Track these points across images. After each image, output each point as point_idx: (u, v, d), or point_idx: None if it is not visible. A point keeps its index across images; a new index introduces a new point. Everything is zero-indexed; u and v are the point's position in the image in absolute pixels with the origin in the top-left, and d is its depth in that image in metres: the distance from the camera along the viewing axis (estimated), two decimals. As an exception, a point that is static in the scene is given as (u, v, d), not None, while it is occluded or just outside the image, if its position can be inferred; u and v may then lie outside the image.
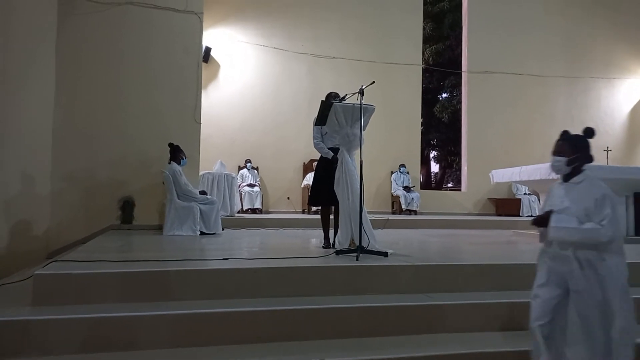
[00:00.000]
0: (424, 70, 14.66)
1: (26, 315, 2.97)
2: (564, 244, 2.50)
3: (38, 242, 6.42)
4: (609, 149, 10.58)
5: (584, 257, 2.44)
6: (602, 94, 12.82)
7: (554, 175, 6.09)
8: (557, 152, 2.59)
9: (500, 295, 3.64)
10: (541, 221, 2.55)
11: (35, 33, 6.31)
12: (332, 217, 5.02)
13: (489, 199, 11.88)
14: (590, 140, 2.58)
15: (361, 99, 4.45)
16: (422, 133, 14.14)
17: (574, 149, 2.57)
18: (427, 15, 15.99)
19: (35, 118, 6.38)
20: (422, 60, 13.09)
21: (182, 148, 6.76)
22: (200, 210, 6.50)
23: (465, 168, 12.31)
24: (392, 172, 11.33)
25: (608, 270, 2.39)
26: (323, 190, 4.83)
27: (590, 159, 2.59)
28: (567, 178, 2.59)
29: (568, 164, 2.57)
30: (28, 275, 3.65)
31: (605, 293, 2.37)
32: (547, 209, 2.58)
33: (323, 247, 4.91)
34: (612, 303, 2.36)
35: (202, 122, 7.77)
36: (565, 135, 2.61)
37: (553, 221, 2.49)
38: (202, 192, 6.96)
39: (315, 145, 4.97)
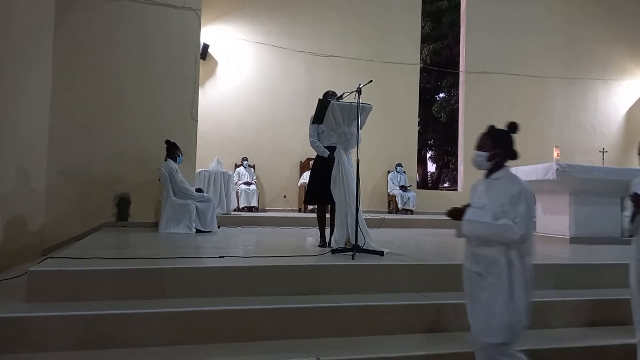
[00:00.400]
0: (422, 70, 14.68)
1: (21, 312, 2.96)
2: (479, 241, 2.41)
3: (33, 238, 6.39)
4: (605, 150, 10.62)
5: (497, 256, 2.33)
6: (599, 95, 12.86)
7: (550, 176, 6.13)
8: (479, 146, 2.49)
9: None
10: (455, 214, 2.44)
11: (32, 28, 6.27)
12: (328, 215, 5.02)
13: (485, 199, 11.90)
14: (514, 136, 2.47)
15: (358, 98, 4.45)
16: (419, 133, 14.16)
17: (495, 144, 2.46)
18: (425, 14, 16.00)
19: (31, 113, 6.35)
20: (420, 60, 13.09)
21: (178, 145, 6.74)
22: (196, 207, 6.48)
23: (462, 168, 12.33)
24: (388, 172, 11.34)
25: (516, 271, 2.31)
26: (319, 189, 4.83)
27: (512, 155, 2.48)
28: (489, 174, 2.49)
29: (489, 159, 2.46)
30: (23, 271, 3.63)
31: (512, 294, 2.30)
32: (471, 203, 2.49)
33: (319, 246, 4.91)
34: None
35: (199, 119, 7.75)
36: (488, 129, 2.51)
37: (467, 215, 2.40)
38: (199, 190, 6.95)
39: (312, 144, 4.97)
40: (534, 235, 2.40)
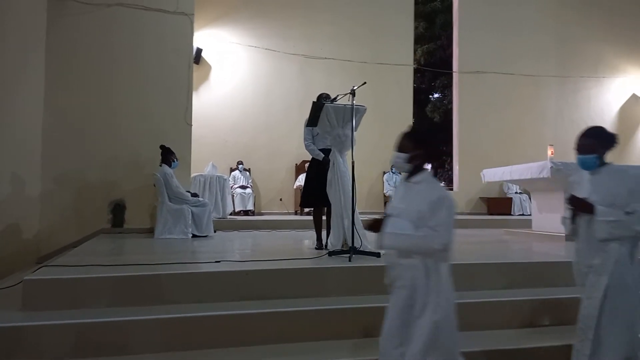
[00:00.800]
0: (416, 71, 14.71)
1: (16, 321, 2.93)
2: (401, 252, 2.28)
3: (28, 246, 6.36)
4: (598, 147, 10.66)
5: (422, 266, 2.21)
6: (592, 93, 12.92)
7: (544, 174, 6.15)
8: (399, 147, 2.36)
9: (493, 294, 3.66)
10: (375, 226, 2.27)
11: (25, 34, 6.25)
12: (324, 218, 5.02)
13: (480, 198, 11.94)
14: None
15: (352, 100, 4.45)
16: (414, 133, 14.15)
17: (416, 145, 2.32)
18: (418, 15, 16.05)
19: (25, 119, 6.32)
20: (414, 61, 13.12)
21: (173, 150, 6.73)
22: (192, 212, 6.47)
23: (457, 167, 12.36)
24: (384, 173, 11.35)
25: (433, 280, 2.19)
26: (315, 192, 4.83)
27: (434, 156, 2.37)
28: (409, 177, 2.35)
29: (408, 160, 2.32)
30: (18, 280, 3.61)
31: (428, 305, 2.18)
32: (389, 211, 2.34)
33: (315, 249, 4.90)
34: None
35: (193, 123, 7.74)
36: (409, 129, 2.40)
37: (388, 226, 2.22)
38: (194, 195, 6.93)
39: (307, 147, 4.97)
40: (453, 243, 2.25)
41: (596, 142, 2.68)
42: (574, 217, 2.71)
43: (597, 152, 2.66)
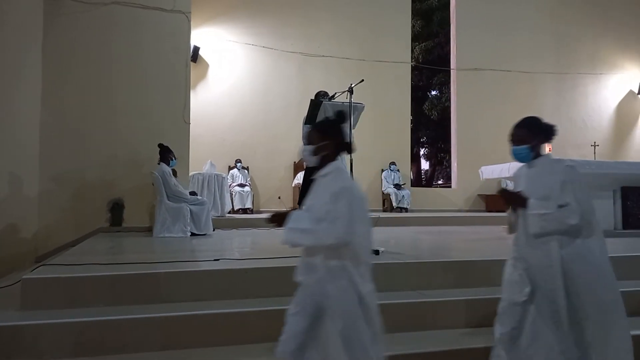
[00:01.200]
0: (413, 68, 14.71)
1: (15, 320, 2.94)
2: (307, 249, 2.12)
3: (27, 245, 6.34)
4: (596, 144, 10.70)
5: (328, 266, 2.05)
6: (589, 89, 12.94)
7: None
8: (308, 140, 2.25)
9: (492, 292, 3.66)
10: (275, 219, 2.11)
11: (22, 33, 6.23)
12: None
13: (478, 195, 11.95)
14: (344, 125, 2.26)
15: (350, 98, 4.46)
16: (412, 131, 14.19)
17: (322, 136, 2.21)
18: (416, 13, 16.05)
19: (22, 119, 6.31)
20: (412, 58, 13.12)
21: (171, 148, 6.71)
22: (190, 211, 6.46)
23: (455, 165, 12.37)
24: (382, 170, 11.35)
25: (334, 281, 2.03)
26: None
27: (343, 147, 2.23)
28: (319, 170, 2.21)
29: (314, 152, 2.20)
30: (17, 279, 3.61)
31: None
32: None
33: (314, 246, 4.90)
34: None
35: (191, 122, 7.72)
36: (319, 122, 2.30)
37: (290, 221, 2.05)
38: (192, 193, 6.92)
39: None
40: (362, 239, 2.07)
41: (528, 132, 2.57)
42: (513, 211, 2.61)
43: (529, 143, 2.55)
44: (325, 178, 2.16)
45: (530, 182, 2.53)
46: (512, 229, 2.65)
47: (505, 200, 2.58)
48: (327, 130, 2.23)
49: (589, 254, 2.41)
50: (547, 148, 7.38)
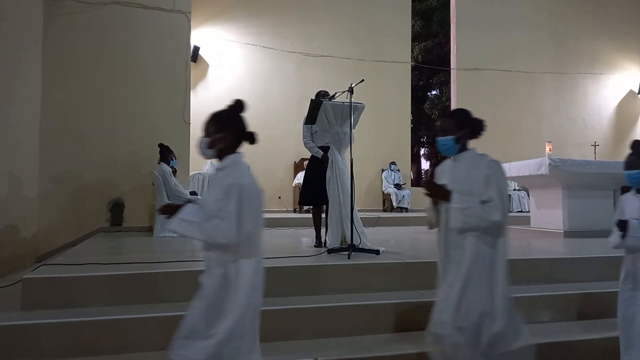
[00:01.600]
0: (413, 68, 14.71)
1: (16, 320, 2.93)
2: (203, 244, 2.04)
3: (27, 246, 6.34)
4: (596, 143, 10.70)
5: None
6: (589, 89, 12.94)
7: (543, 171, 6.16)
8: (205, 133, 2.10)
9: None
10: (167, 210, 2.03)
11: (21, 34, 6.23)
12: (324, 216, 5.02)
13: (479, 195, 11.94)
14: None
15: (350, 98, 4.45)
16: (412, 130, 14.19)
17: (218, 127, 2.06)
18: (415, 13, 16.05)
19: (22, 119, 6.30)
20: (411, 58, 13.12)
21: (172, 148, 6.71)
22: (190, 210, 6.45)
23: (455, 165, 12.37)
24: (382, 170, 11.35)
25: (230, 281, 1.98)
26: (314, 190, 4.82)
27: (245, 136, 2.10)
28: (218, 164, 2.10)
29: (210, 145, 2.07)
30: (17, 279, 3.61)
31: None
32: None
33: (315, 246, 4.90)
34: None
35: (191, 122, 7.72)
36: (211, 114, 2.12)
37: (182, 212, 1.98)
38: (193, 193, 6.92)
39: (305, 145, 4.96)
40: (253, 237, 2.02)
41: (455, 124, 2.47)
42: (436, 206, 2.50)
43: (455, 134, 2.44)
44: (221, 172, 2.05)
45: (455, 176, 2.43)
46: (432, 225, 2.57)
47: (430, 193, 2.46)
48: (223, 122, 2.08)
49: (496, 253, 2.33)
50: (547, 148, 7.35)
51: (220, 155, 2.08)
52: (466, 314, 2.28)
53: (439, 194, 2.42)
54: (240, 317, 1.96)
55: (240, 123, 2.10)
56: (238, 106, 2.10)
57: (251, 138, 2.12)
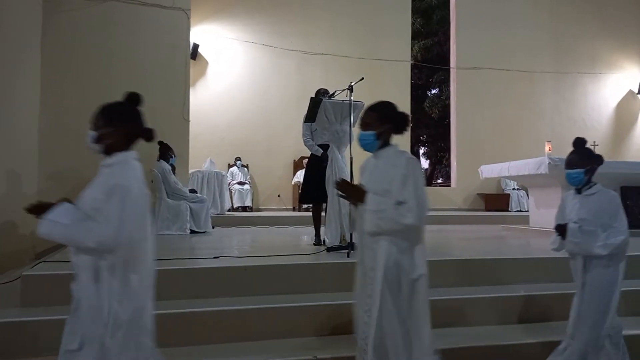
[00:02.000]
0: (413, 67, 14.70)
1: (15, 317, 2.93)
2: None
3: (25, 243, 6.33)
4: (595, 143, 10.65)
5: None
6: (589, 89, 12.95)
7: (542, 170, 6.16)
8: (93, 125, 1.90)
9: (491, 290, 3.67)
10: (35, 210, 1.84)
11: (20, 31, 6.21)
12: (323, 214, 5.02)
13: (478, 194, 11.96)
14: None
15: (350, 96, 4.45)
16: (412, 129, 14.19)
17: (107, 122, 1.87)
18: (415, 11, 16.03)
19: (21, 117, 6.29)
20: (411, 57, 13.12)
21: (171, 146, 6.71)
22: (190, 208, 6.46)
23: (455, 164, 12.38)
24: (382, 169, 11.35)
25: (104, 291, 1.78)
26: (314, 188, 4.82)
27: (136, 132, 1.91)
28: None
29: (96, 140, 1.88)
30: (16, 276, 3.60)
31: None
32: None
33: (314, 244, 4.91)
34: None
35: (191, 119, 7.72)
36: (101, 107, 1.92)
37: (52, 213, 1.80)
38: (192, 191, 6.92)
39: (305, 143, 4.96)
40: (138, 244, 1.82)
41: (377, 118, 2.29)
42: (355, 207, 2.29)
43: (376, 129, 2.25)
44: (106, 170, 1.86)
45: (374, 175, 2.24)
46: (352, 227, 2.40)
47: (342, 192, 2.27)
48: (113, 115, 1.89)
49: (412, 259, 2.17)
50: (546, 147, 7.36)
51: (108, 152, 1.89)
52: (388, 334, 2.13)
53: (353, 195, 2.24)
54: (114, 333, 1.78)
55: (135, 118, 1.92)
56: (133, 99, 1.93)
57: (148, 135, 1.94)
